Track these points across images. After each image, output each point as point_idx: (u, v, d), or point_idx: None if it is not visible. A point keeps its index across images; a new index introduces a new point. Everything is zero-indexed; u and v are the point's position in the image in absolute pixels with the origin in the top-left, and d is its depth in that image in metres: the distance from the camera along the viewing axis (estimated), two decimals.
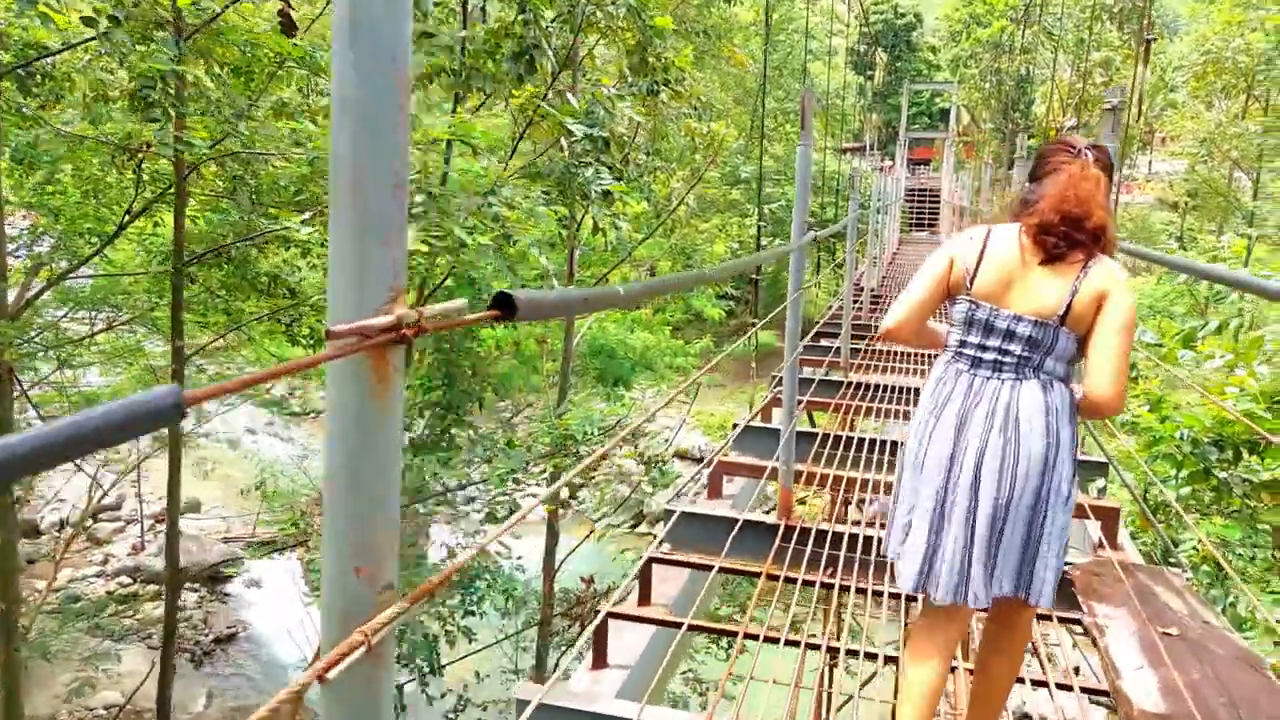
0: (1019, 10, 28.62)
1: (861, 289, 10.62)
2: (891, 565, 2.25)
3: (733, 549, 3.43)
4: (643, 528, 22.29)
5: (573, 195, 6.15)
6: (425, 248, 4.39)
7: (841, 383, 6.40)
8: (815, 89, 34.88)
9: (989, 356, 2.02)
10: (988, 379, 2.02)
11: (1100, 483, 4.44)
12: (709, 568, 3.27)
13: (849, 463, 4.71)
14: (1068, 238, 1.94)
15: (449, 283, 8.07)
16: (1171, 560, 3.59)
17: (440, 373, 8.62)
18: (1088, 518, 3.88)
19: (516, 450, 5.63)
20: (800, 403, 5.76)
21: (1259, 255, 22.31)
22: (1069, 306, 1.95)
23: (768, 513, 4.01)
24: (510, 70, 6.91)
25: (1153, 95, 27.74)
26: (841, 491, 4.57)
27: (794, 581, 3.37)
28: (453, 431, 8.74)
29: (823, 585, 3.34)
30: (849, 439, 5.10)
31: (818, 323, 8.65)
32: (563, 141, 7.10)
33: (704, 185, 11.79)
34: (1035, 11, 22.66)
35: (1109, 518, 3.85)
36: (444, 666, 9.07)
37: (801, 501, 5.04)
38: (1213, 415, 3.65)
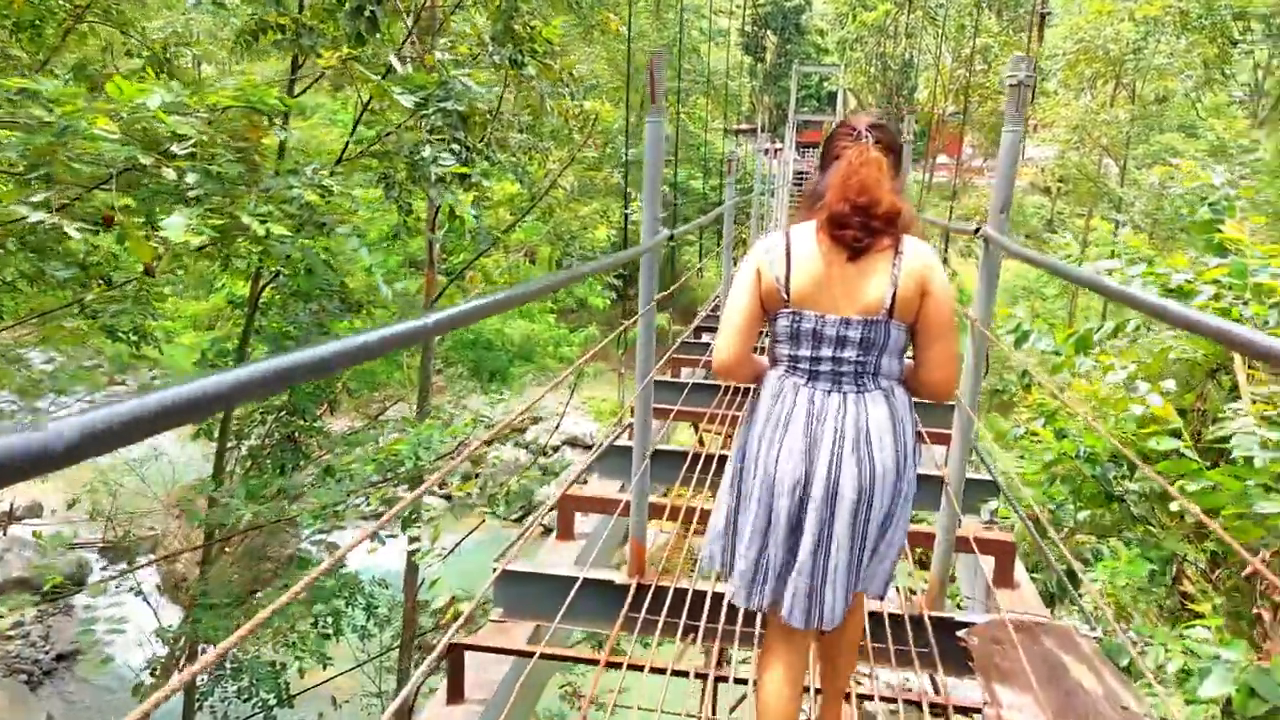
0: None
1: None
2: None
3: (574, 611, 2.80)
4: (532, 517, 21.60)
5: (422, 178, 5.34)
6: (199, 238, 3.55)
7: (722, 387, 5.68)
8: (706, 69, 34.61)
9: (825, 368, 1.93)
10: (829, 393, 1.92)
11: (992, 504, 4.02)
12: (529, 654, 2.61)
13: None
14: (864, 227, 1.85)
15: (286, 275, 7.11)
16: (1073, 602, 3.15)
17: None
18: (978, 553, 3.45)
19: (337, 480, 4.82)
20: (671, 414, 5.25)
21: (1132, 244, 23.26)
22: (894, 298, 1.88)
23: (618, 567, 3.38)
24: (348, 27, 6.03)
25: None
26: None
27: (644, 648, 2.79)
28: (298, 439, 7.80)
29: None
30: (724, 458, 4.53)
31: (697, 315, 8.13)
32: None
33: (583, 167, 11.07)
34: None
35: (1003, 553, 3.43)
36: (294, 697, 8.17)
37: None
38: (1116, 434, 3.25)
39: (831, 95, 40.46)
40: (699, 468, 4.36)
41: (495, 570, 2.87)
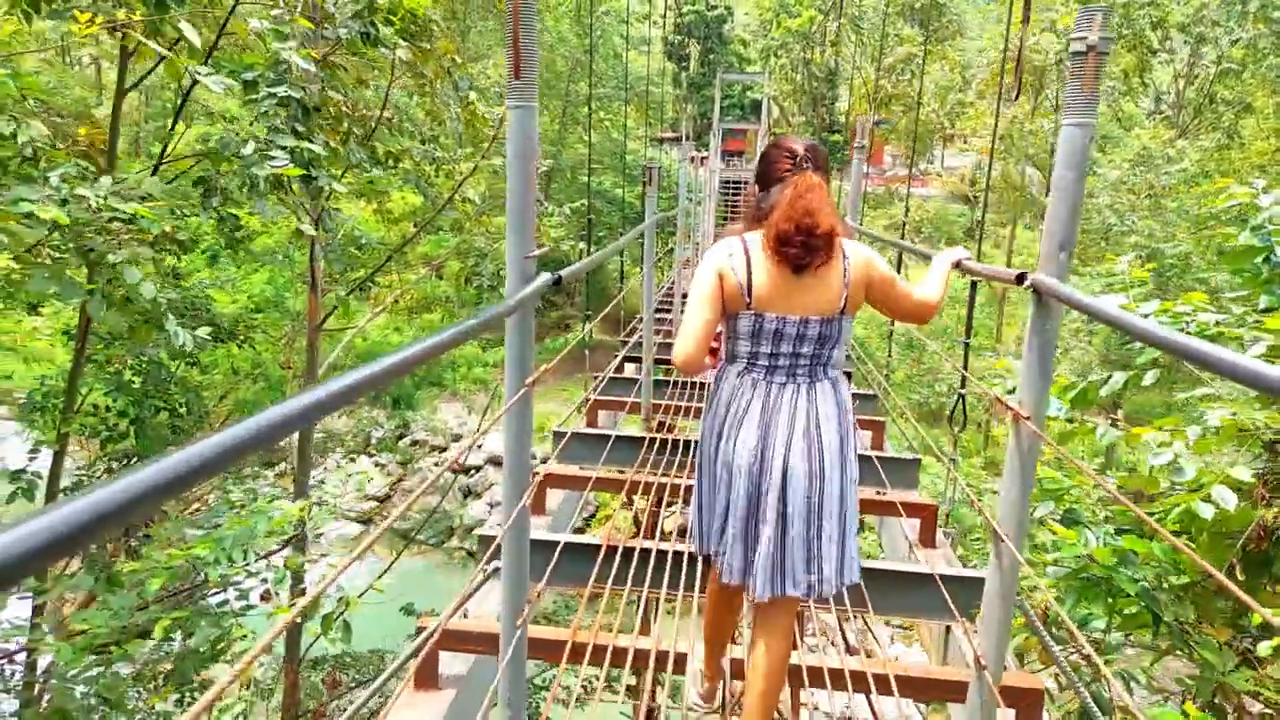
0: (828, 2, 28.68)
1: (669, 301, 9.39)
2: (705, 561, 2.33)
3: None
4: (454, 541, 20.40)
5: (247, 183, 4.23)
6: None
7: (665, 383, 6.27)
8: (626, 75, 33.91)
9: (783, 363, 2.11)
10: (784, 385, 2.12)
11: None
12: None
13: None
14: (805, 246, 2.02)
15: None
16: None
17: (129, 411, 6.43)
18: (900, 515, 4.04)
19: (120, 590, 3.63)
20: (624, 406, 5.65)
21: (1134, 273, 23.47)
22: (846, 298, 2.08)
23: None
24: None
25: (944, 94, 28.60)
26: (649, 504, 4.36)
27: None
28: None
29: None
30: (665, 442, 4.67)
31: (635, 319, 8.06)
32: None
33: (498, 178, 10.02)
34: (843, 3, 22.45)
35: (926, 514, 3.94)
36: None
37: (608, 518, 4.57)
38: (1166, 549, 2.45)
39: (756, 104, 40.23)
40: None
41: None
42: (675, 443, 4.61)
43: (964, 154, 36.08)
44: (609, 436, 4.57)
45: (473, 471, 20.49)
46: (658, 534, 4.61)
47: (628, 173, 28.73)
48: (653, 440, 4.58)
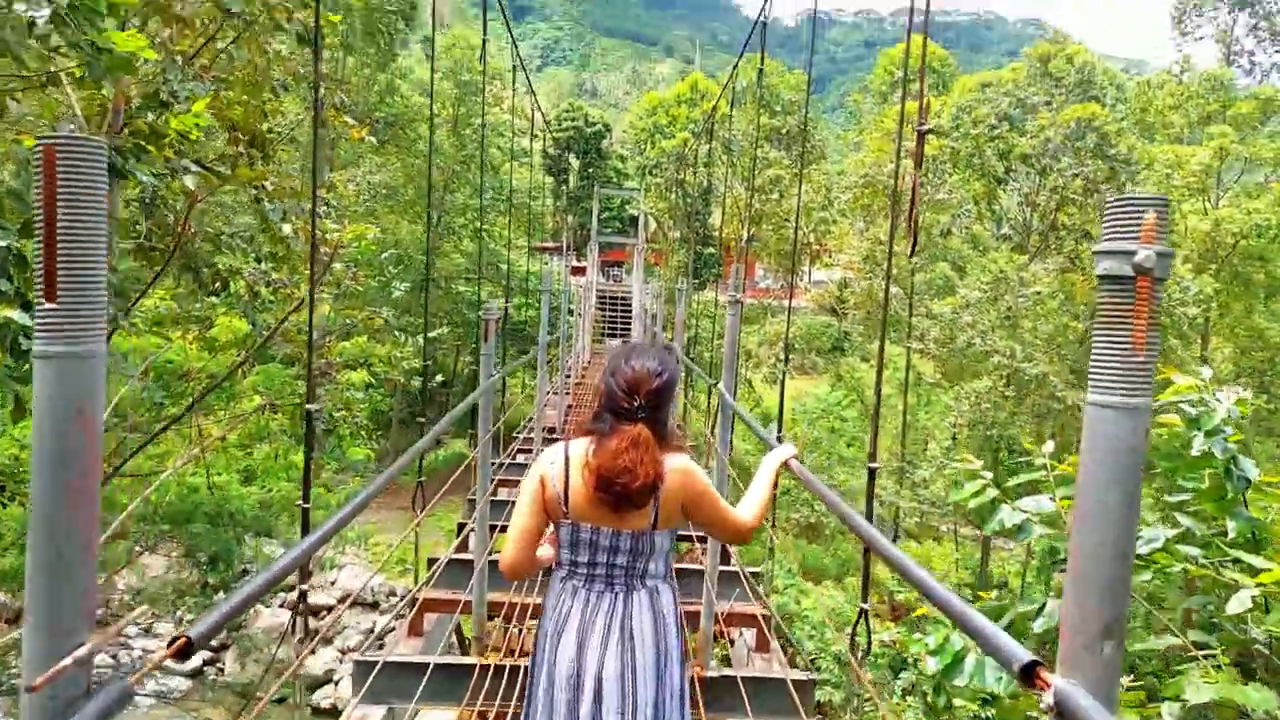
0: (699, 125, 29.58)
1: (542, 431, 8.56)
2: None
3: None
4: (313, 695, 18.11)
5: None
6: None
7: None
8: (507, 187, 33.79)
9: (600, 571, 2.12)
10: (602, 593, 2.12)
11: None
12: None
13: None
14: (622, 495, 2.03)
15: None
16: None
17: None
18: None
19: None
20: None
21: (922, 368, 24.19)
22: (657, 516, 2.08)
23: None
24: None
25: (809, 212, 29.66)
26: None
27: None
28: None
29: None
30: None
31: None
32: None
33: (342, 305, 9.03)
34: (715, 127, 23.05)
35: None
36: None
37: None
38: None
39: (634, 218, 40.86)
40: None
41: None
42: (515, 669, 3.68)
43: (830, 269, 37.50)
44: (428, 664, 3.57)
45: (323, 613, 18.49)
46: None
47: (506, 283, 28.11)
48: (485, 667, 3.63)
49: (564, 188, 49.32)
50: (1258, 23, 31.95)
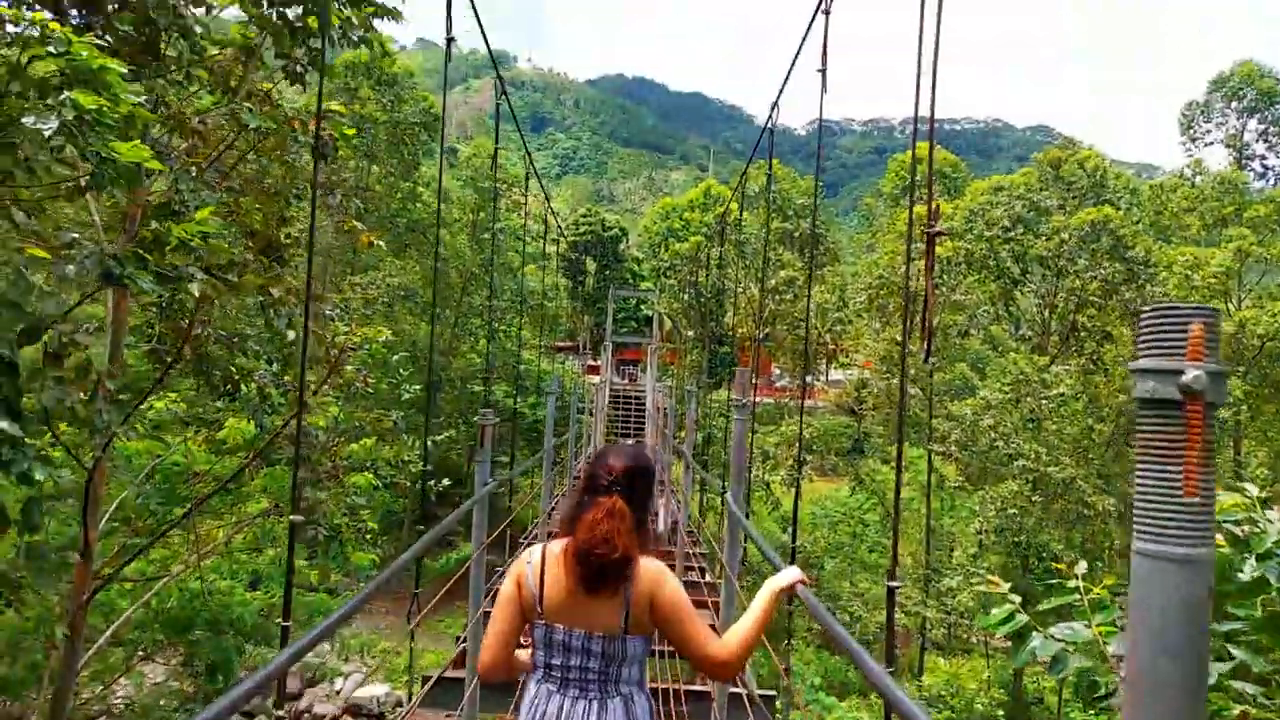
0: (713, 228, 30.08)
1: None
2: None
3: None
4: None
5: None
6: None
7: None
8: (526, 289, 34.29)
9: (573, 675, 2.11)
10: (576, 699, 2.10)
11: None
12: None
13: None
14: (598, 571, 2.06)
15: None
16: None
17: None
18: None
19: None
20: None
21: (945, 471, 23.68)
22: (627, 620, 2.08)
23: None
24: None
25: (824, 313, 29.74)
26: None
27: None
28: None
29: None
30: None
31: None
32: None
33: (351, 408, 8.96)
34: (728, 231, 23.41)
35: None
36: None
37: None
38: None
39: (649, 317, 41.22)
40: None
41: None
42: None
43: (847, 369, 37.37)
44: None
45: None
46: None
47: (521, 382, 28.12)
48: None
49: (580, 289, 50.06)
50: (1267, 128, 32.43)
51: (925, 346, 3.17)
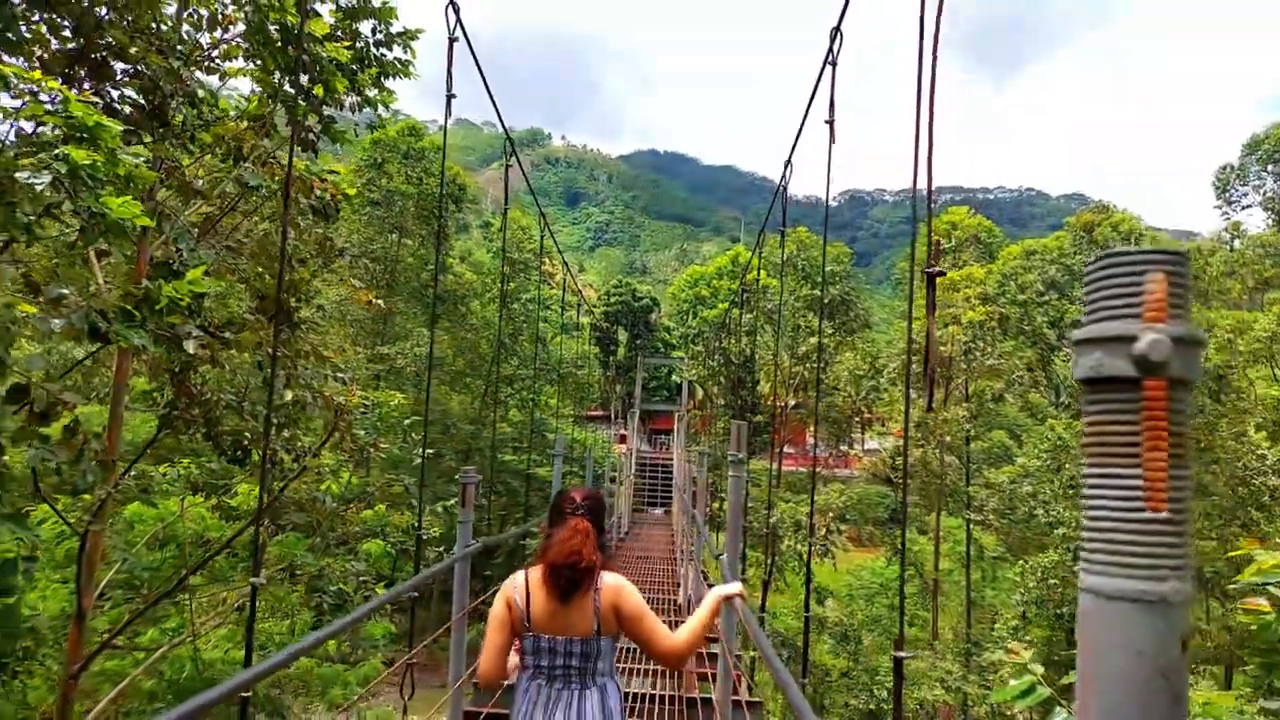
0: (737, 293, 30.02)
1: None
2: None
3: None
4: None
5: None
6: None
7: None
8: (555, 358, 34.35)
9: (559, 671, 2.52)
10: (560, 690, 2.51)
11: None
12: None
13: None
14: (571, 580, 2.49)
15: None
16: None
17: None
18: None
19: None
20: None
21: (984, 541, 22.90)
22: (598, 623, 2.52)
23: None
24: None
25: (858, 381, 29.31)
26: None
27: None
28: None
29: None
30: None
31: None
32: None
33: (359, 475, 8.83)
34: (754, 299, 23.30)
35: None
36: None
37: None
38: None
39: (679, 386, 41.04)
40: None
41: None
42: None
43: (883, 437, 36.63)
44: None
45: None
46: None
47: (548, 450, 27.90)
48: None
49: (612, 359, 50.14)
50: None
51: (928, 393, 2.94)
